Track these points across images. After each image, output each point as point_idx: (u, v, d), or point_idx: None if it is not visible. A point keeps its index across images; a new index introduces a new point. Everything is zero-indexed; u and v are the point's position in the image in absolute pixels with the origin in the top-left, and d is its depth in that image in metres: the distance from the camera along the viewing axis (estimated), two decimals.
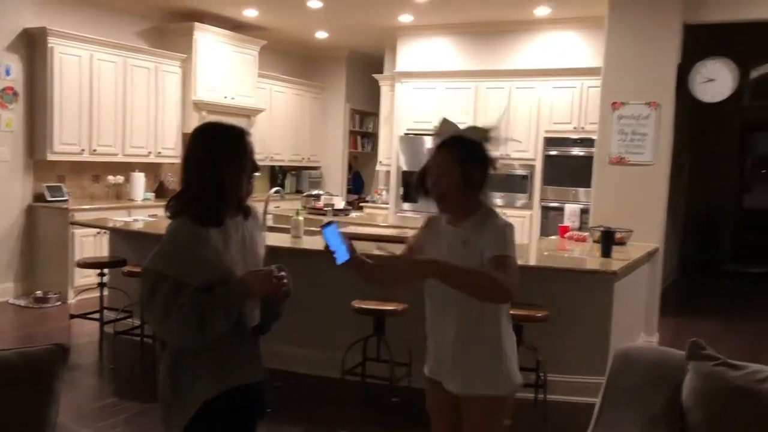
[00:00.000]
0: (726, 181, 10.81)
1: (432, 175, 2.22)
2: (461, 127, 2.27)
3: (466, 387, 2.23)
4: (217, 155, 2.08)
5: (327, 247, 2.18)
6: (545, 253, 4.92)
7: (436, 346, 2.31)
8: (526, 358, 3.95)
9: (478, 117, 8.11)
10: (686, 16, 5.59)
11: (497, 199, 8.10)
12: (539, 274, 4.29)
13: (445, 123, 2.29)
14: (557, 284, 4.30)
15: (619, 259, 4.54)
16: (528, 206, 7.93)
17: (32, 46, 6.56)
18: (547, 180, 7.84)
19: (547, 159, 7.82)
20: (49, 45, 6.50)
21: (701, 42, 6.97)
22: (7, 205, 6.51)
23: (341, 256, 2.19)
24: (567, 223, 6.93)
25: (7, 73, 6.39)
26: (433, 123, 8.46)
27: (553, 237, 6.21)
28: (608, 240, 4.63)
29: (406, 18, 8.02)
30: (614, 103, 5.72)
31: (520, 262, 4.41)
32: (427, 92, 8.40)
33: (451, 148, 2.21)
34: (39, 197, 6.73)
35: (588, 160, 7.12)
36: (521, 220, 7.94)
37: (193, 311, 1.95)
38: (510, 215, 7.94)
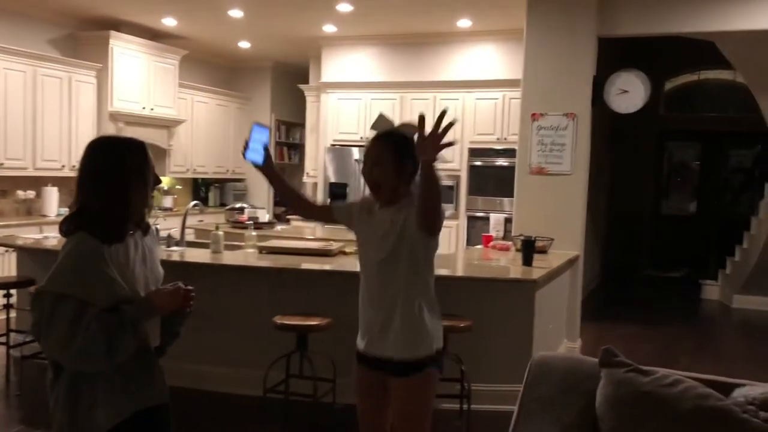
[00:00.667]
0: (644, 188, 11.23)
1: (367, 165, 2.42)
2: (395, 123, 2.50)
3: (393, 351, 2.41)
4: (119, 170, 1.98)
5: (247, 140, 2.40)
6: (472, 263, 4.96)
7: (365, 315, 2.49)
8: (450, 368, 3.95)
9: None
10: (600, 29, 5.76)
11: None
12: (463, 283, 4.31)
13: (382, 118, 2.48)
14: (480, 293, 4.32)
15: (540, 267, 4.61)
16: (454, 216, 7.99)
17: None
18: (473, 190, 7.93)
19: (472, 169, 7.91)
20: None
21: (617, 54, 7.21)
22: None
23: (254, 156, 2.41)
24: (492, 232, 7.01)
25: None
26: (359, 134, 8.44)
27: (478, 246, 6.26)
28: (529, 248, 4.69)
29: (329, 28, 7.98)
30: (533, 114, 5.82)
31: (444, 272, 4.44)
32: (353, 103, 8.38)
33: (386, 141, 2.41)
34: None
35: (511, 170, 7.19)
36: (448, 230, 7.99)
37: (101, 333, 1.85)
38: None
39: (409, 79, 8.18)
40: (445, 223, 8.18)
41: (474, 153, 7.87)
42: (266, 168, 2.46)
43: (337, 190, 8.41)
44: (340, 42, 8.49)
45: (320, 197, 8.59)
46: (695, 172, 11.62)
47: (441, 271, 4.53)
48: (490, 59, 7.94)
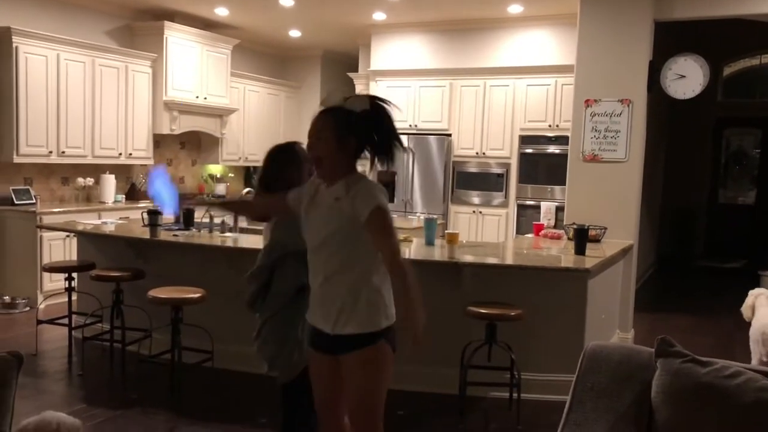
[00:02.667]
0: (701, 176, 10.92)
1: (310, 139, 2.37)
2: (345, 97, 2.39)
3: (344, 327, 2.34)
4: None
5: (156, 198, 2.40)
6: (523, 252, 4.91)
7: (316, 294, 2.43)
8: (501, 357, 3.94)
9: (453, 114, 8.11)
10: (657, 13, 5.60)
11: (474, 197, 8.10)
12: (514, 272, 4.28)
13: (332, 93, 2.41)
14: (532, 282, 4.28)
15: (593, 256, 4.54)
16: (504, 205, 7.93)
17: None
18: (523, 178, 7.84)
19: (523, 157, 7.82)
20: (14, 45, 6.35)
21: (672, 39, 7.01)
22: None
23: (171, 205, 2.37)
24: (542, 221, 6.92)
25: None
26: (408, 122, 8.42)
27: (528, 235, 6.20)
28: (582, 237, 4.63)
29: (379, 16, 7.97)
30: (587, 101, 5.72)
31: (494, 260, 4.41)
32: (402, 90, 8.36)
33: (330, 115, 2.35)
34: (5, 200, 6.58)
35: (563, 157, 7.10)
36: (497, 218, 7.94)
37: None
38: (486, 214, 7.97)
39: (459, 66, 8.11)
40: (494, 211, 8.16)
41: (525, 140, 7.78)
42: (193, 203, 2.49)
43: (385, 178, 8.43)
44: (390, 29, 8.48)
45: None
46: (754, 160, 11.23)
47: (490, 259, 4.53)
48: (541, 45, 7.81)
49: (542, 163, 7.74)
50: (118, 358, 4.75)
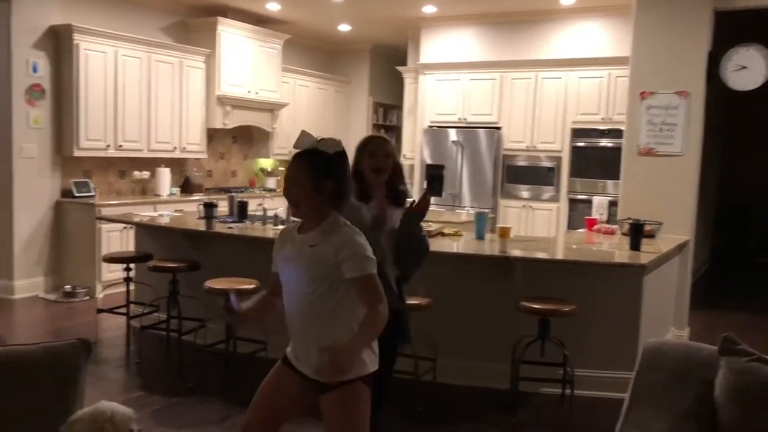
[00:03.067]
0: (757, 171, 10.57)
1: (286, 185, 2.34)
2: (317, 139, 2.38)
3: (318, 372, 2.24)
4: None
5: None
6: (573, 247, 4.85)
7: (292, 332, 2.38)
8: (553, 353, 3.91)
9: (504, 107, 8.04)
10: (717, 2, 5.44)
11: (524, 192, 8.02)
12: (567, 267, 4.23)
13: (303, 135, 2.38)
14: (585, 278, 4.22)
15: (649, 252, 4.45)
16: (555, 199, 7.83)
17: (58, 43, 6.62)
18: (575, 172, 7.72)
19: (575, 150, 7.70)
20: (75, 42, 6.56)
21: (733, 29, 6.79)
22: (36, 201, 6.59)
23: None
24: (595, 215, 6.82)
25: (35, 70, 6.46)
26: (457, 115, 8.36)
27: (580, 230, 6.11)
28: (637, 232, 4.54)
29: (429, 9, 7.95)
30: (643, 93, 5.59)
31: (546, 255, 4.37)
32: (451, 84, 8.33)
33: (303, 159, 2.32)
34: (66, 193, 6.81)
35: (616, 151, 6.99)
36: (548, 213, 7.85)
37: None
38: (536, 208, 7.89)
39: (510, 58, 8.03)
40: (544, 205, 8.08)
41: (577, 133, 7.66)
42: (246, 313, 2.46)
43: (434, 171, 8.37)
44: (440, 22, 8.45)
45: (416, 179, 8.62)
46: None
47: (542, 254, 4.48)
48: (594, 36, 7.67)
49: (594, 157, 7.61)
50: (175, 347, 4.87)
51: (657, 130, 5.53)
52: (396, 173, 3.05)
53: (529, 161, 7.99)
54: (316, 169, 2.29)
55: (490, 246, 4.51)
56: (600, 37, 7.63)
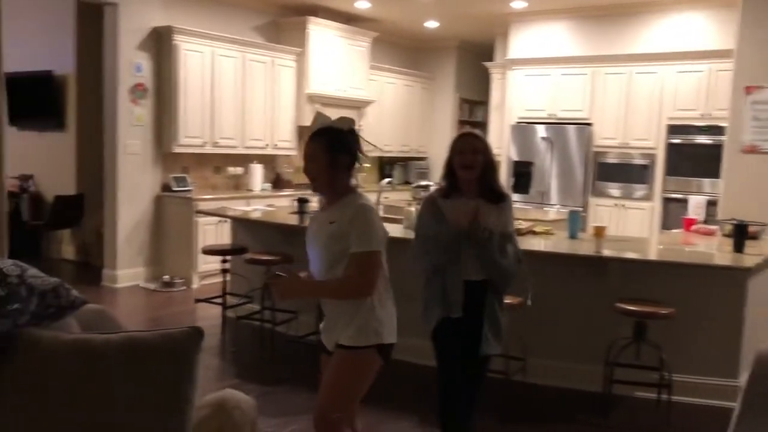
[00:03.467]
0: None
1: (304, 163, 2.52)
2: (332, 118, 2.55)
3: (345, 340, 2.48)
4: None
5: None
6: (671, 247, 4.68)
7: (324, 309, 2.60)
8: (649, 356, 3.80)
9: (595, 103, 7.85)
10: None
11: (615, 190, 7.80)
12: (664, 269, 4.10)
13: (318, 116, 2.55)
14: (683, 280, 4.08)
15: (753, 254, 4.24)
16: (648, 197, 7.58)
17: (160, 44, 6.93)
18: (670, 170, 7.45)
19: (670, 147, 7.43)
20: (175, 42, 6.85)
21: None
22: (139, 194, 6.94)
23: None
24: (691, 215, 6.56)
25: (138, 70, 6.79)
26: (546, 111, 8.24)
27: (675, 230, 5.90)
28: (741, 234, 4.34)
29: (518, 4, 7.84)
30: (748, 88, 5.35)
31: (637, 255, 4.24)
32: (541, 79, 8.20)
33: (318, 136, 2.49)
34: (166, 187, 7.13)
35: (715, 148, 6.72)
36: (640, 212, 7.61)
37: None
38: (628, 207, 7.66)
39: (603, 52, 7.83)
40: (637, 204, 7.83)
41: (673, 130, 7.38)
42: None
43: (521, 169, 8.32)
44: (530, 17, 8.32)
45: (503, 176, 8.53)
46: None
47: (639, 254, 4.35)
48: (694, 29, 7.36)
49: (691, 154, 7.32)
50: (268, 338, 5.02)
51: (763, 127, 5.27)
52: (487, 170, 2.99)
53: (621, 158, 7.76)
54: (331, 144, 2.46)
55: (584, 245, 4.42)
56: (700, 29, 7.32)
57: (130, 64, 6.72)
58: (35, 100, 7.54)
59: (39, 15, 7.64)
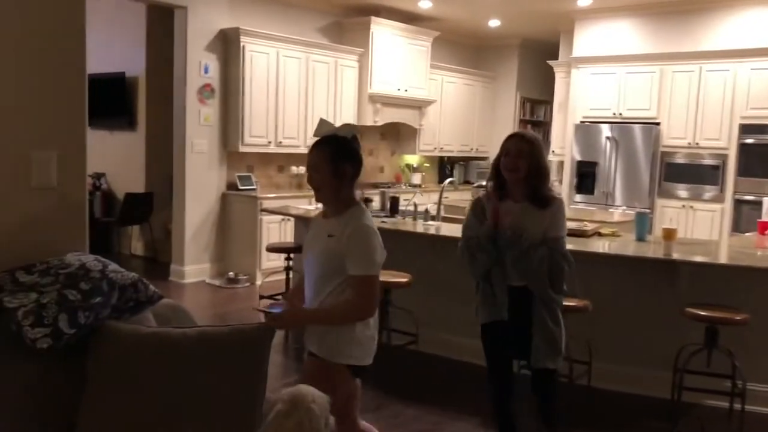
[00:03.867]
0: None
1: (308, 172, 2.49)
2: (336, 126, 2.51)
3: (320, 350, 2.49)
4: None
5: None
6: (745, 251, 4.52)
7: None
8: (721, 364, 3.68)
9: (663, 102, 7.64)
10: None
11: (683, 191, 7.59)
12: (738, 273, 3.96)
13: (322, 123, 2.50)
14: (757, 285, 3.94)
15: None
16: (718, 199, 7.34)
17: (227, 46, 7.10)
18: (742, 171, 7.19)
19: (743, 148, 7.17)
20: (241, 44, 7.00)
21: None
22: (205, 192, 7.13)
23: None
24: (765, 218, 6.31)
25: (206, 71, 6.97)
26: (612, 110, 8.05)
27: (748, 234, 5.69)
28: None
29: (584, 2, 7.70)
30: None
31: (709, 259, 4.11)
32: (606, 78, 8.03)
33: (322, 145, 2.45)
34: (231, 186, 7.30)
35: None
36: (710, 214, 7.37)
37: None
38: (697, 208, 7.44)
39: (671, 50, 7.61)
40: (706, 206, 7.58)
41: (746, 130, 7.12)
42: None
43: (585, 169, 8.16)
44: (595, 15, 8.16)
45: (565, 177, 8.41)
46: None
47: (712, 258, 4.22)
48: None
49: (765, 155, 7.05)
50: None
51: None
52: (534, 174, 2.85)
53: (690, 159, 7.54)
54: (336, 154, 2.41)
55: (653, 248, 4.31)
56: None
57: (198, 65, 6.90)
58: (108, 100, 7.82)
59: (112, 19, 7.93)
